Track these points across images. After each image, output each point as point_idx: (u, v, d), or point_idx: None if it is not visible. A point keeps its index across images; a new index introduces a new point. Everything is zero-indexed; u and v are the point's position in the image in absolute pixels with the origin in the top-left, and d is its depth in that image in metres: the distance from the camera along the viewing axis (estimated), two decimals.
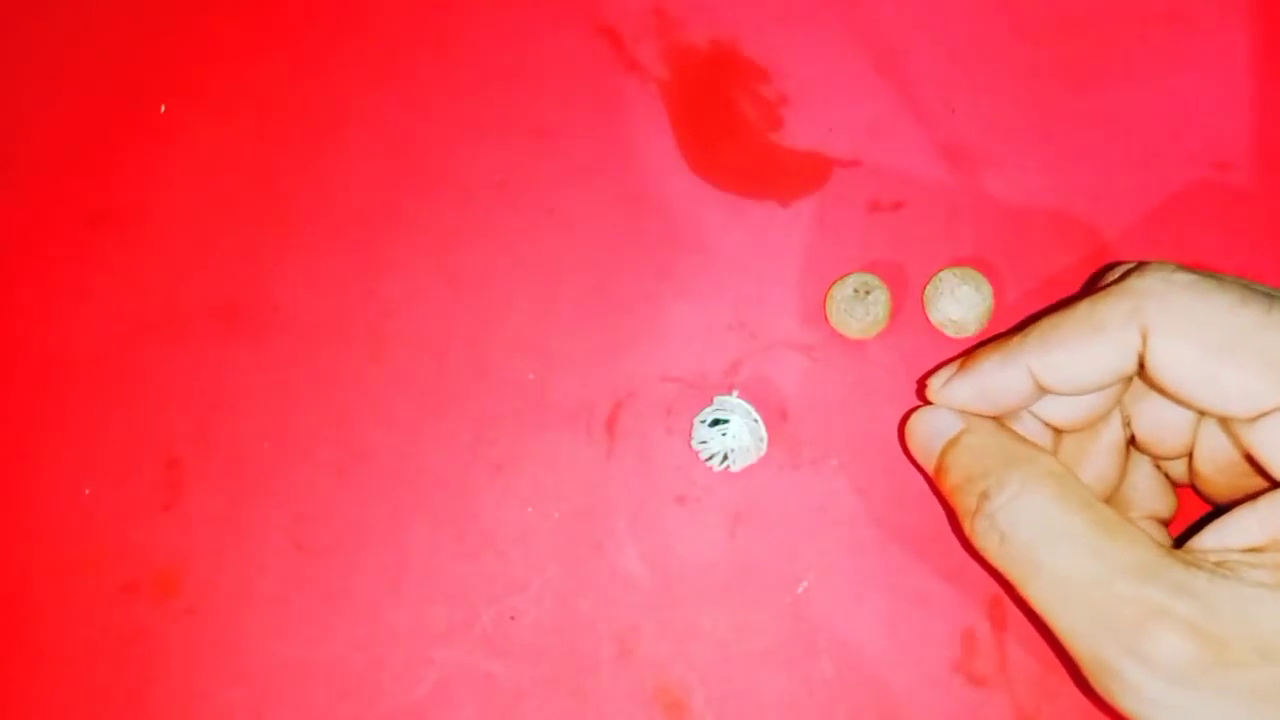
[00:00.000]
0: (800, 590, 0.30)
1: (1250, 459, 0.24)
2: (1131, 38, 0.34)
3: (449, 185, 0.34)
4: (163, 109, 0.35)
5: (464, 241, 0.33)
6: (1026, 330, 0.26)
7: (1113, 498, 0.28)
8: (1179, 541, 0.25)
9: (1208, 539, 0.23)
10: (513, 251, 0.33)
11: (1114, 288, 0.24)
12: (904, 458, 0.30)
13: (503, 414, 0.32)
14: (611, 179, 0.34)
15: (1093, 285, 0.27)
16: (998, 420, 0.27)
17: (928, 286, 0.32)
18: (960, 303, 0.31)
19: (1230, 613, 0.21)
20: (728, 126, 0.34)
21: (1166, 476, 0.29)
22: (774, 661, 0.29)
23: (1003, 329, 0.31)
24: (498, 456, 0.31)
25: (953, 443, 0.26)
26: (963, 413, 0.27)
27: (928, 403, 0.28)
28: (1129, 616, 0.22)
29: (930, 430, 0.27)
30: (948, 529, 0.30)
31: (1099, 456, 0.28)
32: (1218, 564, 0.22)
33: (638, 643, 0.29)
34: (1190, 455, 0.27)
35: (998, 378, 0.26)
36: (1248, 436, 0.23)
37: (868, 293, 0.31)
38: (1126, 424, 0.28)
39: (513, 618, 0.30)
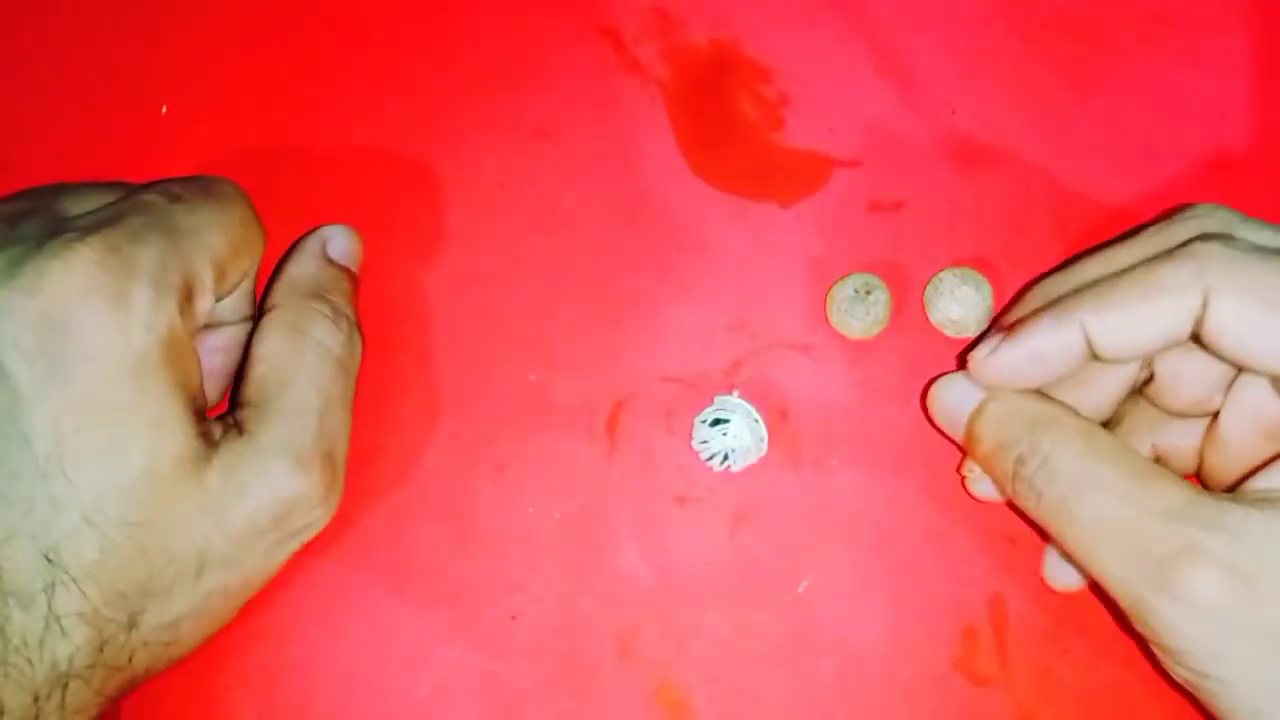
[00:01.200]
0: (801, 590, 0.30)
1: None
2: (1131, 38, 0.34)
3: (450, 185, 0.34)
4: (163, 109, 0.35)
5: (465, 242, 0.33)
6: (1078, 292, 0.26)
7: None
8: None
9: (1258, 480, 0.24)
10: (513, 252, 0.33)
11: (1173, 253, 0.24)
12: (905, 458, 0.31)
13: (504, 414, 0.32)
14: (612, 179, 0.34)
15: (1148, 227, 0.27)
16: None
17: (928, 286, 0.32)
18: (960, 303, 0.31)
19: (1262, 545, 0.22)
20: (728, 127, 0.34)
21: (1157, 462, 0.29)
22: (774, 661, 0.29)
23: None
24: (499, 457, 0.31)
25: (979, 411, 0.27)
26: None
27: (931, 405, 0.28)
28: (1161, 554, 0.23)
29: (954, 400, 0.28)
30: (948, 529, 0.30)
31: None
32: (1259, 499, 0.23)
33: (638, 642, 0.30)
34: (1201, 450, 0.28)
35: (1050, 339, 0.25)
36: None
37: (868, 293, 0.31)
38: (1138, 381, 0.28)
39: (514, 617, 0.30)
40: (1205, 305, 0.24)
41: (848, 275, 0.32)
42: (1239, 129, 0.33)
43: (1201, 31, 0.34)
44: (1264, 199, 0.32)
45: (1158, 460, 0.29)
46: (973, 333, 0.31)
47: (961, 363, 0.29)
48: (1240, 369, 0.26)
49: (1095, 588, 0.26)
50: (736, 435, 0.30)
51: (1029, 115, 0.34)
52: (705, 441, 0.31)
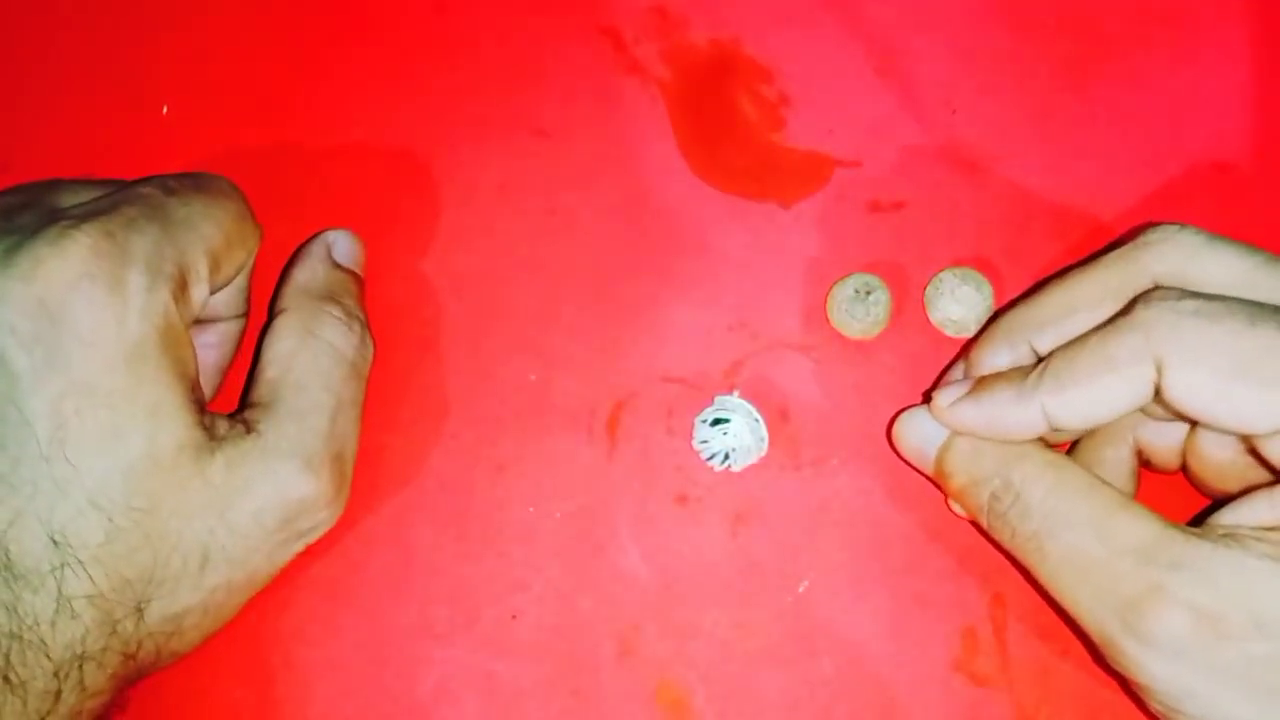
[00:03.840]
0: (801, 590, 0.30)
1: (1271, 467, 0.24)
2: (1131, 37, 0.34)
3: (450, 185, 0.34)
4: (164, 109, 0.35)
5: (465, 242, 0.33)
6: (1041, 368, 0.25)
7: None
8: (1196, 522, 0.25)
9: (1223, 516, 0.24)
10: (514, 252, 0.33)
11: (1121, 322, 0.24)
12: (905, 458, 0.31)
13: (504, 414, 0.32)
14: (613, 180, 0.34)
15: (1112, 248, 0.27)
16: None
17: (928, 286, 0.32)
18: (961, 303, 0.31)
19: (1229, 584, 0.22)
20: (729, 127, 0.34)
21: (1146, 462, 0.29)
22: (775, 661, 0.29)
23: None
24: (499, 457, 0.31)
25: (947, 447, 0.27)
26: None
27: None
28: (1128, 595, 0.23)
29: (920, 437, 0.28)
30: (948, 529, 0.30)
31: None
32: (1226, 535, 0.23)
33: (639, 642, 0.30)
34: (1188, 441, 0.28)
35: (1010, 414, 0.26)
36: (1269, 450, 0.24)
37: (868, 293, 0.31)
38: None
39: (514, 617, 0.30)
40: (1160, 374, 0.24)
41: (848, 275, 0.32)
42: (1239, 129, 0.33)
43: (1201, 31, 0.34)
44: (1264, 199, 0.32)
45: (1140, 455, 0.29)
46: (973, 333, 0.31)
47: (925, 397, 0.29)
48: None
49: (1069, 622, 0.25)
50: (737, 435, 0.30)
51: (1029, 115, 0.34)
52: (705, 441, 0.31)
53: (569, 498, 0.31)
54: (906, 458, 0.29)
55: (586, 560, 0.30)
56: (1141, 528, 0.23)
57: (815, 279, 0.32)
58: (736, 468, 0.31)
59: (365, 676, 0.30)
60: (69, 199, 0.28)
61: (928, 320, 0.32)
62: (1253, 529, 0.23)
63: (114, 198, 0.27)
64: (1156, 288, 0.25)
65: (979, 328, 0.31)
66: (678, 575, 0.30)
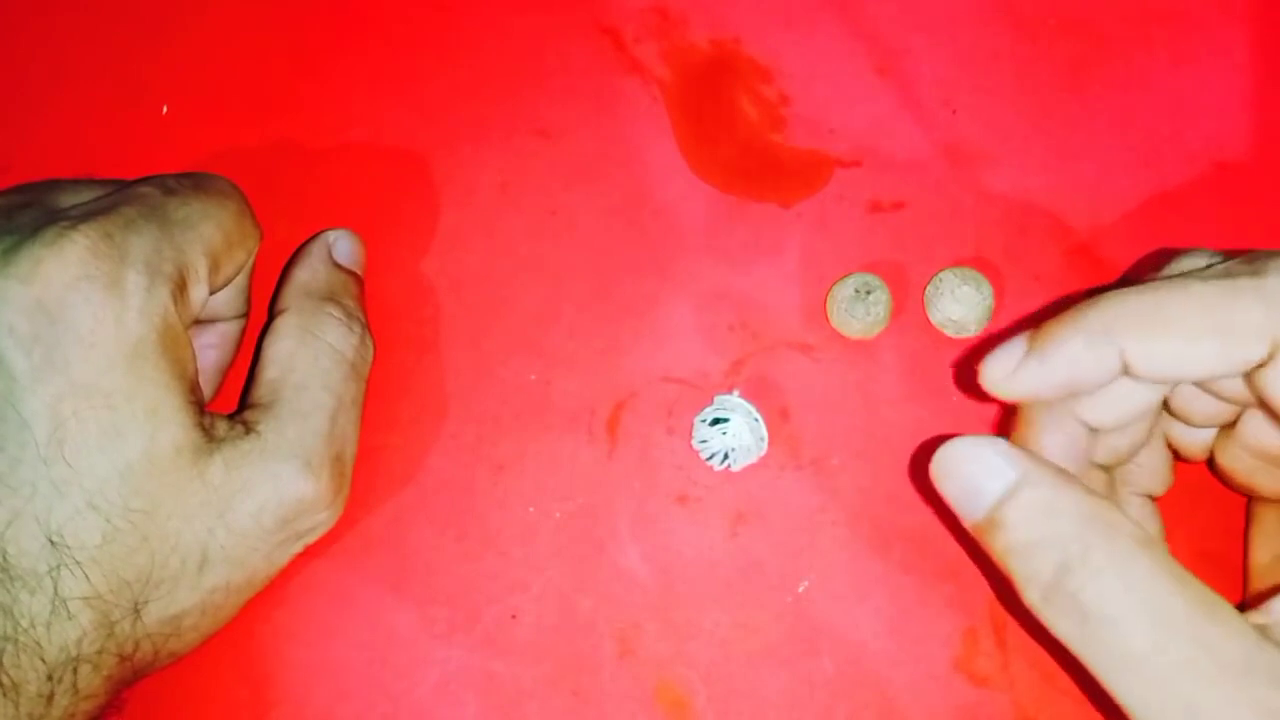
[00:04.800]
0: (801, 590, 0.30)
1: None
2: (1131, 37, 0.34)
3: (450, 186, 0.34)
4: (164, 109, 0.35)
5: (465, 242, 0.33)
6: (1114, 304, 0.23)
7: (1115, 468, 0.28)
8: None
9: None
10: (514, 252, 0.33)
11: (1248, 284, 0.22)
12: (905, 458, 0.30)
13: (504, 414, 0.32)
14: (613, 179, 0.34)
15: (1148, 265, 0.25)
16: (1026, 424, 0.25)
17: (928, 286, 0.32)
18: (960, 303, 0.31)
19: None
20: (728, 127, 0.34)
21: (1175, 452, 0.28)
22: (775, 660, 0.29)
23: (1003, 329, 0.31)
24: (499, 456, 0.31)
25: (1012, 495, 0.22)
26: (1019, 453, 0.23)
27: (933, 417, 0.27)
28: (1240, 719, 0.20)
29: (979, 475, 0.23)
30: (948, 529, 0.30)
31: (1136, 421, 0.26)
32: None
33: (639, 642, 0.30)
34: (1220, 435, 0.26)
35: (1084, 359, 0.23)
36: None
37: (868, 293, 0.31)
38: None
39: (514, 617, 0.30)
40: (1272, 358, 0.21)
41: (848, 275, 0.32)
42: (1239, 129, 0.33)
43: (1201, 31, 0.34)
44: (1264, 199, 0.32)
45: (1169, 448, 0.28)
46: (973, 333, 0.31)
47: (959, 376, 0.27)
48: None
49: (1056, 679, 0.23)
50: (736, 435, 0.30)
51: (1029, 115, 0.34)
52: (705, 441, 0.31)
53: (569, 498, 0.31)
54: (947, 496, 0.23)
55: (586, 560, 0.30)
56: (1241, 639, 0.20)
57: (815, 279, 0.32)
58: (736, 467, 0.31)
59: (365, 676, 0.30)
60: (69, 199, 0.28)
61: (928, 320, 0.32)
62: None
63: (113, 198, 0.27)
64: None
65: (979, 328, 0.31)
66: (678, 575, 0.30)
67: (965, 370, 0.31)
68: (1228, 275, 0.22)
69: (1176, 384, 0.23)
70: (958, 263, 0.32)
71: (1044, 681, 0.29)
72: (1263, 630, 0.20)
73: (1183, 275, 0.23)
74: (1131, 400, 0.25)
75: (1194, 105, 0.33)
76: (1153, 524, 0.28)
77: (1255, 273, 0.22)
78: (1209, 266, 0.23)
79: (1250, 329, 0.21)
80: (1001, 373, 0.24)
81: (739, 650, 0.29)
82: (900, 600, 0.29)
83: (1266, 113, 0.33)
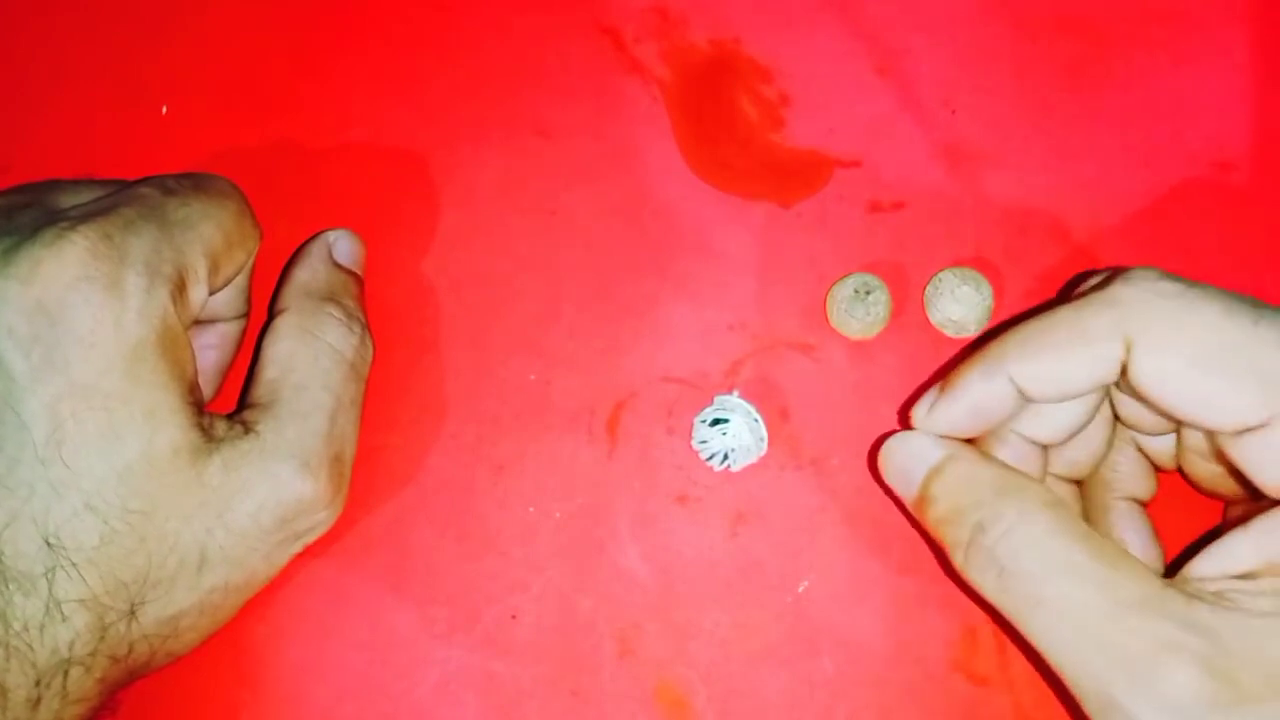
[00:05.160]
0: (801, 590, 0.30)
1: (1234, 470, 0.24)
2: (1131, 37, 0.34)
3: (450, 185, 0.34)
4: (164, 109, 0.35)
5: (465, 242, 0.33)
6: (1004, 338, 0.25)
7: (1094, 477, 0.29)
8: (1174, 567, 0.24)
9: (1203, 565, 0.23)
10: (514, 252, 0.33)
11: (1097, 296, 0.24)
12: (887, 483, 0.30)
13: (504, 414, 0.32)
14: (613, 180, 0.34)
15: (1069, 292, 0.27)
16: (980, 448, 0.27)
17: (928, 286, 0.32)
18: (960, 303, 0.31)
19: (1237, 645, 0.21)
20: (728, 127, 0.34)
21: (1149, 460, 0.29)
22: (775, 660, 0.29)
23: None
24: (499, 456, 0.31)
25: (936, 471, 0.26)
26: (945, 439, 0.26)
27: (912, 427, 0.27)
28: (1139, 651, 0.21)
29: (909, 458, 0.26)
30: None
31: (1091, 429, 0.27)
32: (1216, 594, 0.22)
33: (639, 642, 0.30)
34: (1177, 444, 0.27)
35: (982, 393, 0.25)
36: (1232, 450, 0.23)
37: (868, 293, 0.31)
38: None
39: (514, 617, 0.30)
40: (1128, 354, 0.23)
41: (848, 275, 0.32)
42: (1239, 129, 0.33)
43: (1201, 31, 0.34)
44: (1264, 199, 0.32)
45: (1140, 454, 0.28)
46: (973, 333, 0.31)
47: (902, 416, 0.28)
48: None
49: (1048, 679, 0.24)
50: (736, 435, 0.30)
51: (1029, 115, 0.34)
52: (705, 441, 0.31)
53: (569, 498, 0.31)
54: (890, 483, 0.27)
55: (586, 560, 0.30)
56: (1144, 583, 0.22)
57: (815, 279, 0.32)
58: (736, 468, 0.31)
59: (365, 677, 0.30)
60: (68, 199, 0.28)
61: (928, 320, 0.32)
62: (1238, 578, 0.22)
63: (112, 199, 0.27)
64: (1135, 267, 0.24)
65: (979, 328, 0.31)
66: (678, 575, 0.30)
67: None
68: (1084, 294, 0.24)
69: (1067, 399, 0.25)
70: (958, 263, 0.32)
71: (1044, 682, 0.29)
72: (1182, 586, 0.22)
73: (1059, 304, 0.25)
74: (1063, 416, 0.26)
75: (1194, 105, 0.33)
76: (1141, 527, 0.28)
77: (1103, 285, 0.24)
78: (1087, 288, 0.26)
79: (1102, 332, 0.23)
80: (922, 412, 0.26)
81: (739, 650, 0.29)
82: (900, 600, 0.29)
83: (1266, 113, 0.33)
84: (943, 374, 0.31)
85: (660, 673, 0.29)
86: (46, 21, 0.37)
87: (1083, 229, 0.32)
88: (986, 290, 0.31)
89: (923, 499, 0.26)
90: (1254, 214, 0.32)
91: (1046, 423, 0.26)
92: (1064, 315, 0.24)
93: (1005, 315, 0.32)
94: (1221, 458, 0.24)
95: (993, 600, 0.24)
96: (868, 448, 0.31)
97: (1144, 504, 0.28)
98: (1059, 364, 0.24)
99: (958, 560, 0.25)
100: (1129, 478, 0.28)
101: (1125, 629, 0.22)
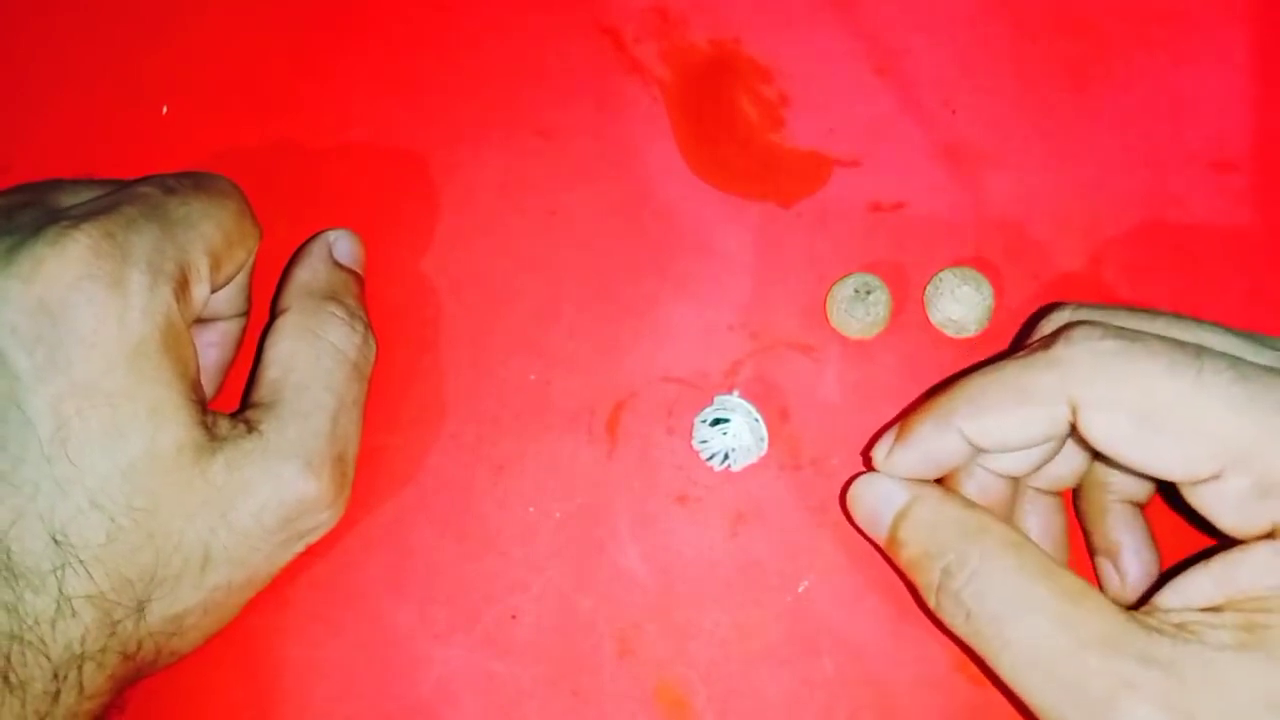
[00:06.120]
0: (801, 590, 0.30)
1: (1198, 518, 0.24)
2: (1131, 37, 0.34)
3: (450, 185, 0.34)
4: (164, 109, 0.35)
5: (465, 242, 0.33)
6: (953, 391, 0.25)
7: (1090, 480, 0.29)
8: (1176, 570, 0.25)
9: (1168, 598, 0.23)
10: (514, 252, 0.33)
11: (1041, 356, 0.24)
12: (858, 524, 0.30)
13: (504, 414, 0.32)
14: (613, 180, 0.34)
15: (1032, 327, 0.28)
16: (945, 486, 0.27)
17: (928, 286, 0.32)
18: (960, 303, 0.31)
19: (1196, 679, 0.21)
20: (728, 127, 0.34)
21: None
22: (775, 661, 0.29)
23: (1003, 329, 0.31)
24: (499, 456, 0.31)
25: (903, 515, 0.26)
26: (909, 481, 0.27)
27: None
28: (1099, 689, 0.22)
29: (877, 502, 0.27)
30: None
31: (1067, 451, 0.28)
32: (1179, 626, 0.22)
33: (639, 642, 0.30)
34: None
35: (934, 443, 0.26)
36: (1189, 496, 0.23)
37: (868, 293, 0.31)
38: None
39: (514, 617, 0.30)
40: (1075, 414, 0.23)
41: (848, 275, 0.32)
42: (1239, 129, 0.33)
43: (1201, 31, 0.34)
44: (1264, 199, 0.32)
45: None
46: (973, 333, 0.31)
47: (866, 459, 0.28)
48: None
49: (1022, 710, 0.24)
50: (736, 435, 0.30)
51: (1029, 115, 0.34)
52: (705, 441, 0.31)
53: (569, 498, 0.31)
54: (860, 525, 0.28)
55: (586, 560, 0.30)
56: (1105, 618, 0.23)
57: (815, 279, 0.32)
58: (736, 467, 0.31)
59: (365, 676, 0.30)
60: (69, 199, 0.28)
61: (928, 320, 0.32)
62: (1200, 611, 0.23)
63: (114, 197, 0.27)
64: (1077, 323, 0.25)
65: (979, 328, 0.31)
66: (678, 575, 0.30)
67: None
68: (1029, 353, 0.25)
69: (1020, 450, 0.26)
70: (958, 263, 0.32)
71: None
72: (1141, 616, 0.23)
73: (1006, 359, 0.25)
74: (1024, 456, 0.26)
75: (1194, 105, 0.33)
76: (1137, 529, 0.28)
77: (1047, 345, 0.24)
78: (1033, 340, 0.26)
79: (1045, 394, 0.24)
80: (881, 455, 0.27)
81: (739, 650, 0.29)
82: (900, 600, 0.29)
83: (1266, 113, 0.33)
84: (943, 375, 0.31)
85: (660, 673, 0.29)
86: (46, 21, 0.37)
87: (1083, 229, 0.32)
88: (986, 290, 0.31)
89: (892, 541, 0.26)
90: (1254, 214, 0.32)
91: (1010, 461, 0.27)
92: (1009, 373, 0.25)
93: (1005, 315, 0.32)
94: (1184, 504, 0.24)
95: (965, 640, 0.24)
96: (868, 448, 0.31)
97: (1141, 505, 0.28)
98: (1005, 422, 0.24)
99: (930, 602, 0.25)
100: (1125, 481, 0.28)
101: (1086, 669, 0.22)
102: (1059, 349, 0.24)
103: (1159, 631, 0.22)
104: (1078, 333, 0.24)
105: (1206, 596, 0.23)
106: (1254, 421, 0.22)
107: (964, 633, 0.24)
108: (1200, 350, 0.23)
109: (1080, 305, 0.27)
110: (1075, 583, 0.23)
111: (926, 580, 0.25)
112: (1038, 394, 0.24)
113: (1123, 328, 0.24)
